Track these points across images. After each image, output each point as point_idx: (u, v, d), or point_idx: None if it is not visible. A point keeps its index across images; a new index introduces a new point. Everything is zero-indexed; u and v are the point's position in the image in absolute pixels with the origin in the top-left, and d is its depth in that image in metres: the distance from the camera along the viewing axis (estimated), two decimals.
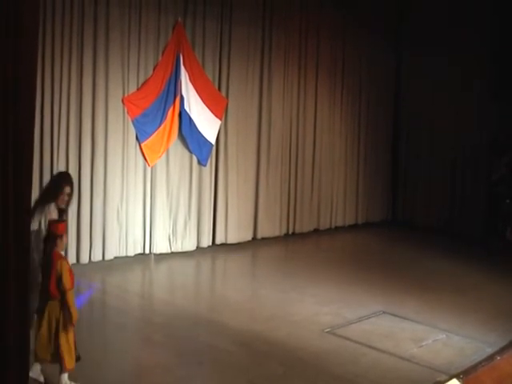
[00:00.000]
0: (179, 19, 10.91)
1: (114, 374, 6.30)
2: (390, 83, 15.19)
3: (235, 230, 12.07)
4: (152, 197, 10.90)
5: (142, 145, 10.63)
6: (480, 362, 6.89)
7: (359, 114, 14.61)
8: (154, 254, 10.95)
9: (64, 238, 5.90)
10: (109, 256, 10.38)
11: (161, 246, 11.05)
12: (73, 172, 9.84)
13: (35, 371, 5.85)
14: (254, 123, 12.39)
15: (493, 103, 13.73)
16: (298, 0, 12.92)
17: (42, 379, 5.94)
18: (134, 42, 10.50)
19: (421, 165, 14.90)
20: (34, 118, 4.94)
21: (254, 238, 12.52)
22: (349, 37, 14.02)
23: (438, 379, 6.47)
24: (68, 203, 6.56)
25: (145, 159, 10.72)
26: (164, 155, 10.95)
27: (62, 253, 5.98)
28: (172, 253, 11.11)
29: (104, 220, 10.29)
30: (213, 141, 11.54)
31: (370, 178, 14.88)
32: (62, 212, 6.50)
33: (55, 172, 9.06)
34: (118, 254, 10.53)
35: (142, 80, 10.65)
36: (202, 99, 11.26)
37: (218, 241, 11.87)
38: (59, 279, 5.66)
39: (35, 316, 5.79)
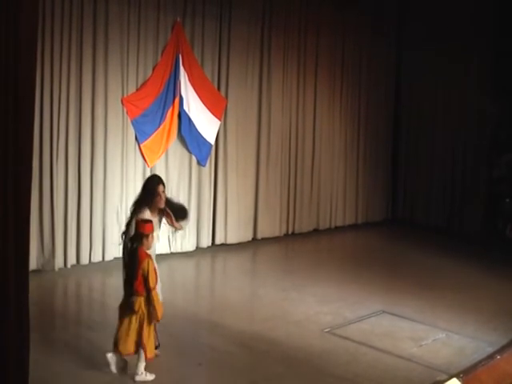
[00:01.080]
0: (178, 19, 10.91)
1: (114, 374, 6.29)
2: (390, 82, 15.20)
3: (235, 230, 12.08)
4: None
5: (142, 145, 10.63)
6: (480, 362, 6.89)
7: (359, 114, 14.61)
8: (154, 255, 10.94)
9: (150, 238, 6.19)
10: (109, 257, 10.37)
11: (160, 247, 11.02)
12: (72, 172, 9.88)
13: (114, 362, 6.18)
14: (253, 123, 12.40)
15: (493, 101, 13.73)
16: None
17: (149, 378, 6.22)
18: (133, 43, 10.50)
19: (421, 163, 14.91)
20: (34, 119, 4.95)
21: (254, 238, 12.52)
22: (348, 35, 14.03)
23: (437, 378, 6.47)
24: (165, 201, 6.77)
25: (144, 160, 10.72)
26: (163, 156, 10.95)
27: (149, 252, 6.22)
28: (172, 253, 11.11)
29: (104, 221, 10.29)
30: (212, 141, 11.54)
31: (369, 177, 14.88)
32: (163, 211, 6.80)
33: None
34: (117, 255, 10.49)
35: (141, 80, 10.65)
36: (201, 99, 11.25)
37: (218, 241, 11.87)
38: (145, 278, 5.99)
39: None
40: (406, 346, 7.38)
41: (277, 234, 12.92)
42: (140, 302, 6.05)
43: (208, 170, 11.59)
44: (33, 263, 9.11)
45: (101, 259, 10.29)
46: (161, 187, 6.75)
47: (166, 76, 10.78)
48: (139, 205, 6.65)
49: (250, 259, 11.77)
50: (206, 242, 11.66)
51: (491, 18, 13.59)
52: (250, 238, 12.43)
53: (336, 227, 14.17)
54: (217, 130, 11.64)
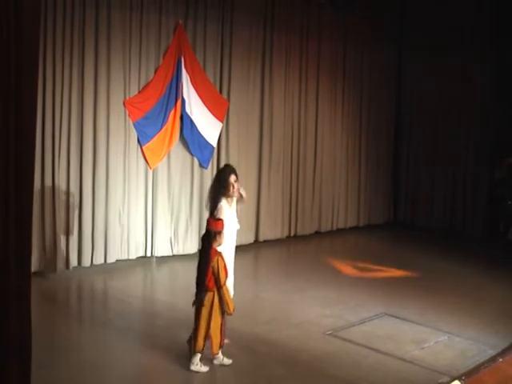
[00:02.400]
0: (180, 21, 10.92)
1: (116, 377, 6.30)
2: (391, 85, 15.21)
3: (237, 233, 12.03)
4: (153, 199, 10.91)
5: (144, 148, 10.63)
6: (482, 364, 6.89)
7: (360, 116, 14.62)
8: (156, 257, 10.96)
9: (222, 235, 6.41)
10: (111, 259, 10.38)
11: (162, 249, 11.05)
12: (74, 175, 9.89)
13: (196, 363, 6.42)
14: (255, 126, 12.41)
15: (495, 102, 13.73)
16: (299, 2, 12.93)
17: (203, 369, 6.44)
18: (135, 45, 10.51)
19: (422, 166, 14.91)
20: (36, 121, 4.95)
21: (256, 241, 12.52)
22: (350, 38, 14.05)
23: (439, 381, 6.47)
24: (238, 190, 7.03)
25: (146, 162, 10.73)
26: (165, 158, 10.96)
27: (229, 243, 6.59)
28: (174, 255, 11.12)
29: (106, 223, 10.30)
30: (214, 143, 11.54)
31: (371, 179, 14.89)
32: (237, 200, 7.07)
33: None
34: (119, 257, 10.54)
35: (143, 83, 10.66)
36: (203, 102, 11.26)
37: None
38: (215, 275, 6.26)
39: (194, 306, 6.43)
40: (407, 349, 7.36)
41: (279, 236, 12.92)
42: (209, 297, 6.32)
43: (210, 172, 11.57)
44: (34, 265, 9.12)
45: (103, 261, 10.29)
46: (233, 177, 6.91)
47: (168, 78, 10.79)
48: (215, 196, 6.82)
49: (252, 262, 11.76)
50: None
51: (492, 18, 13.59)
52: (252, 241, 12.43)
53: (338, 229, 14.17)
54: (219, 133, 11.64)
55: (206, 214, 11.43)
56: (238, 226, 7.30)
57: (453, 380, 6.39)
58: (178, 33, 10.91)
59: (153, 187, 10.89)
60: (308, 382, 6.53)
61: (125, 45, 10.37)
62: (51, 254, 9.65)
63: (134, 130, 10.55)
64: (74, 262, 9.96)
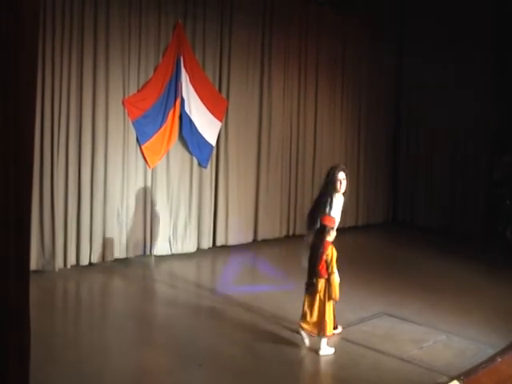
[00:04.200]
0: (179, 21, 10.91)
1: (114, 376, 6.29)
2: (390, 85, 15.21)
3: (235, 232, 12.07)
4: (152, 198, 10.91)
5: (143, 147, 10.63)
6: (481, 364, 6.90)
7: (359, 116, 14.62)
8: (155, 256, 10.96)
9: (334, 230, 7.27)
10: (109, 257, 10.37)
11: (161, 248, 11.05)
12: (73, 173, 9.89)
13: (306, 336, 7.13)
14: (254, 125, 12.41)
15: (493, 102, 13.73)
16: (299, 2, 12.92)
17: (331, 351, 7.05)
18: (134, 44, 10.51)
19: (421, 165, 14.92)
20: (35, 120, 4.94)
21: (255, 240, 12.52)
22: (349, 39, 14.04)
23: (438, 381, 6.47)
24: (344, 187, 7.77)
25: (145, 161, 10.73)
26: (164, 157, 10.96)
27: (330, 240, 7.20)
28: (172, 254, 11.12)
29: (104, 222, 10.30)
30: (213, 143, 11.54)
31: (370, 179, 14.89)
32: (343, 196, 7.74)
33: None
34: (118, 256, 10.53)
35: (142, 82, 10.65)
36: (202, 101, 11.26)
37: (219, 242, 11.88)
38: (328, 262, 7.01)
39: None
40: (406, 348, 7.36)
41: (277, 235, 12.92)
42: (322, 284, 7.00)
43: (209, 171, 11.60)
44: (33, 264, 9.10)
45: (101, 260, 10.29)
46: (341, 174, 7.65)
47: (167, 77, 10.79)
48: (326, 194, 7.57)
49: (251, 261, 11.75)
50: (206, 243, 11.66)
51: (491, 17, 13.59)
52: (251, 240, 12.43)
53: (336, 229, 14.12)
54: (218, 132, 11.65)
55: (205, 213, 11.56)
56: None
57: (451, 380, 6.40)
58: (178, 32, 10.90)
59: (152, 186, 10.89)
60: (307, 381, 6.54)
61: (124, 44, 10.36)
62: (50, 253, 9.65)
63: (133, 129, 10.55)
64: (72, 260, 9.96)
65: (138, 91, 10.61)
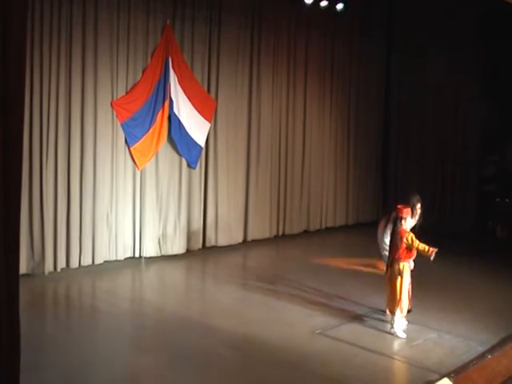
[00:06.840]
0: (168, 22, 10.89)
1: (105, 378, 6.27)
2: (380, 83, 15.24)
3: (225, 233, 12.06)
4: (141, 200, 10.88)
5: (132, 148, 10.61)
6: (471, 361, 6.92)
7: (349, 115, 14.65)
8: (144, 258, 10.93)
9: (406, 220, 7.97)
10: (99, 260, 10.35)
11: (151, 250, 11.03)
12: (62, 176, 9.85)
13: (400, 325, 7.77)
14: (243, 125, 12.40)
15: (482, 101, 13.78)
16: (287, 1, 12.92)
17: (403, 334, 7.67)
18: (122, 46, 10.49)
19: (411, 164, 14.95)
20: (23, 123, 4.92)
21: (245, 241, 12.51)
22: (338, 37, 14.08)
23: (429, 378, 6.48)
24: (419, 216, 9.02)
25: (134, 163, 10.70)
26: (153, 158, 10.94)
27: (406, 228, 7.94)
28: (162, 256, 11.10)
29: (94, 224, 10.27)
30: (202, 143, 11.53)
31: (360, 178, 14.92)
32: (416, 223, 8.82)
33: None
34: (107, 258, 10.50)
35: (130, 83, 10.63)
36: (191, 102, 11.25)
37: (208, 243, 11.86)
38: (410, 246, 7.69)
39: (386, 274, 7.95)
40: (397, 347, 7.38)
41: (267, 235, 12.93)
42: (402, 267, 7.72)
43: (198, 172, 11.59)
44: (23, 267, 9.06)
45: (91, 262, 10.26)
46: (419, 205, 9.12)
47: (156, 79, 10.77)
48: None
49: (241, 261, 11.74)
50: (196, 244, 11.65)
51: (479, 16, 13.64)
52: (241, 240, 12.42)
53: (326, 228, 14.19)
54: (207, 133, 11.63)
55: (195, 214, 11.54)
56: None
57: (442, 377, 6.41)
58: (166, 33, 10.89)
59: (141, 188, 10.86)
60: (297, 381, 6.53)
61: (112, 45, 10.34)
62: (39, 256, 9.61)
63: (122, 130, 10.52)
64: (62, 263, 9.93)
65: (127, 93, 10.59)
